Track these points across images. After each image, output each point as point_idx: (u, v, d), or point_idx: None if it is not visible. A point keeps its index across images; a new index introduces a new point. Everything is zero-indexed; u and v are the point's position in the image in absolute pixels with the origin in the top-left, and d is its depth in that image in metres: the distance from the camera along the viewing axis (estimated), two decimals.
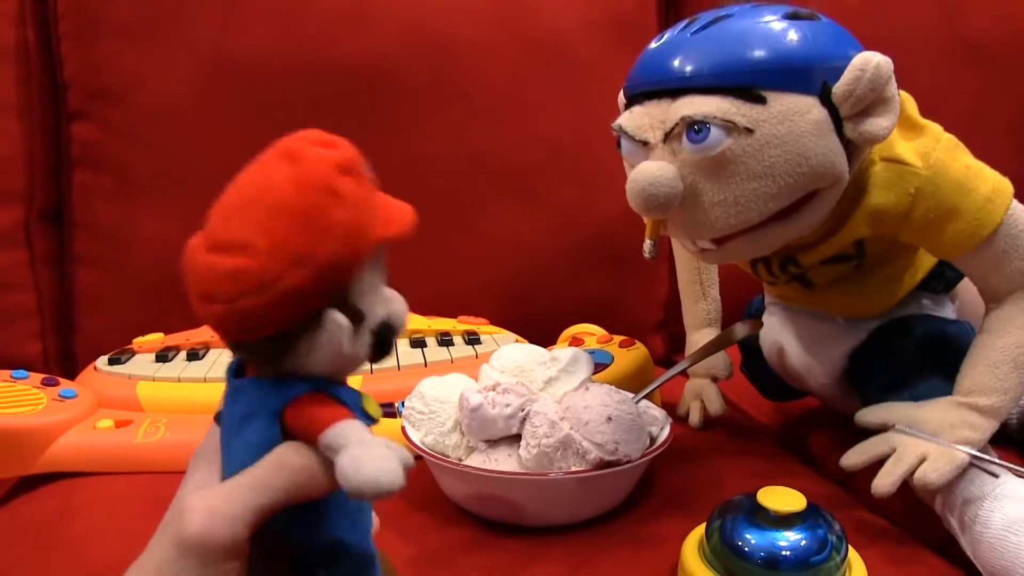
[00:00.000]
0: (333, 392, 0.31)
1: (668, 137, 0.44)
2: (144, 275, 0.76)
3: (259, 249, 0.27)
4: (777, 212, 0.45)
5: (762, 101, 0.42)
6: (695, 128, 0.43)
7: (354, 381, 0.64)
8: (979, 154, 0.50)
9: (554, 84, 0.86)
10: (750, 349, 0.66)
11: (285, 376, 0.30)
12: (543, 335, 0.75)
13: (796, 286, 0.56)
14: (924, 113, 0.50)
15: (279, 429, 0.30)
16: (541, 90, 0.85)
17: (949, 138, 0.48)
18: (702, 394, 0.67)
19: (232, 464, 0.31)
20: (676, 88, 0.44)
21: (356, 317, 0.30)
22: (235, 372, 0.32)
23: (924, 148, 0.47)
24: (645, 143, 0.45)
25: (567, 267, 0.87)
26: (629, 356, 0.68)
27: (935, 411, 0.49)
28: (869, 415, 0.51)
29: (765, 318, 0.62)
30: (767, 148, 0.43)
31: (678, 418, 0.68)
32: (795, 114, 0.43)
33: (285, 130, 0.33)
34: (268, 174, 0.29)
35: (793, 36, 0.43)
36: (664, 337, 0.94)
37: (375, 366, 0.66)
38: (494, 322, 0.78)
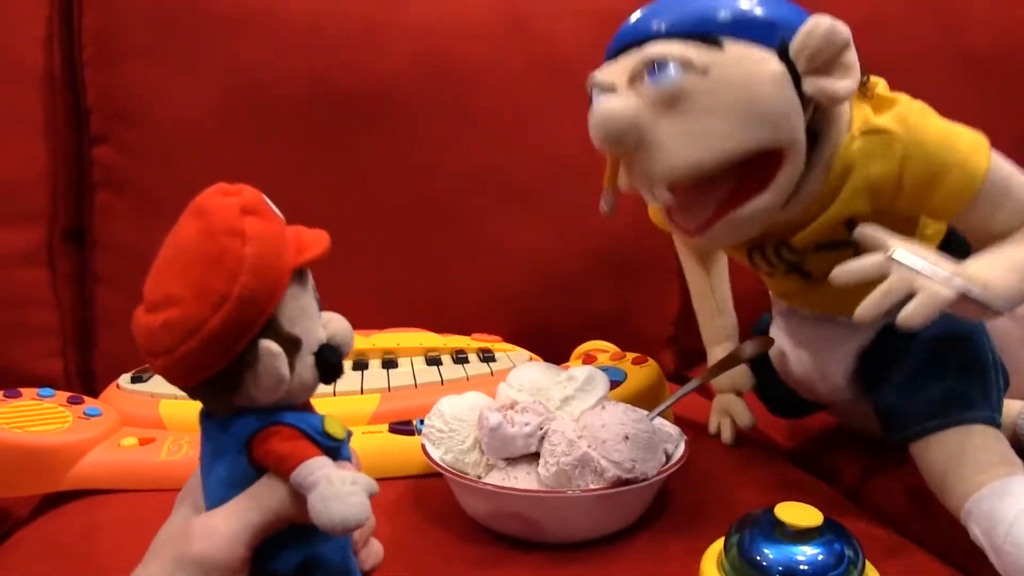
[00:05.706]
0: (291, 421, 0.32)
1: (632, 80, 0.47)
2: None
3: (183, 299, 0.30)
4: (745, 177, 0.47)
5: (719, 45, 0.46)
6: (655, 67, 0.46)
7: (371, 400, 0.65)
8: None
9: (560, 102, 0.86)
10: (757, 364, 0.66)
11: (241, 411, 0.32)
12: (554, 351, 0.76)
13: (795, 279, 0.56)
14: None
15: (247, 461, 0.32)
16: (547, 108, 0.86)
17: (920, 103, 0.50)
18: (730, 409, 0.68)
19: (211, 499, 0.33)
20: (643, 40, 0.48)
21: (291, 343, 0.32)
22: (205, 414, 0.34)
23: (900, 114, 0.49)
24: (612, 88, 0.48)
25: (577, 283, 0.88)
26: (642, 373, 0.68)
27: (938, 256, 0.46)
28: (870, 229, 0.47)
29: (772, 327, 0.63)
30: (722, 88, 0.45)
31: (709, 435, 0.69)
32: (750, 60, 0.45)
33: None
34: (181, 232, 0.31)
35: None
36: (675, 353, 0.94)
37: (389, 384, 0.67)
38: (505, 337, 0.78)
